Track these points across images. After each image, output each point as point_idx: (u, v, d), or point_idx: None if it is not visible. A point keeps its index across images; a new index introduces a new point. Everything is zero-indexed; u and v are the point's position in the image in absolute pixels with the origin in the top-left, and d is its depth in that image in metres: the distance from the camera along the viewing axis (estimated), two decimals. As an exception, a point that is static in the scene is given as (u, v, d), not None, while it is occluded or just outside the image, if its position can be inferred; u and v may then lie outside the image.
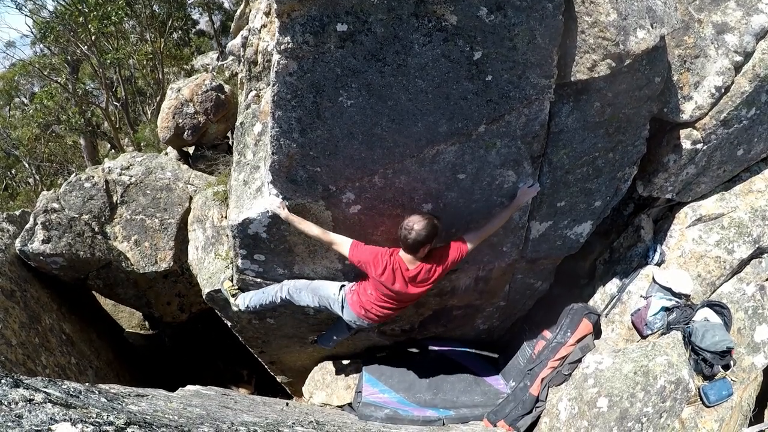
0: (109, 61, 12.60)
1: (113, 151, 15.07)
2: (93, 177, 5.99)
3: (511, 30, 2.52)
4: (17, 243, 5.18)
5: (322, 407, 4.92)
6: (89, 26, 11.59)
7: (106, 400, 1.89)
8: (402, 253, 3.20)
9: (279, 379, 5.90)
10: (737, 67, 3.53)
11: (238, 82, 4.36)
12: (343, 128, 2.78)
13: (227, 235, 4.45)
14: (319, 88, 2.60)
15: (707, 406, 3.70)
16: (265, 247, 3.58)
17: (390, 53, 2.51)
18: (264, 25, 3.66)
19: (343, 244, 3.24)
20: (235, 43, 4.48)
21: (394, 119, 2.77)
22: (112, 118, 14.75)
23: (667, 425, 3.56)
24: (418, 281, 3.24)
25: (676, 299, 3.95)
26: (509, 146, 3.03)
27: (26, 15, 13.65)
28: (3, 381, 1.43)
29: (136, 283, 6.09)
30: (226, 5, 19.38)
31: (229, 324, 4.63)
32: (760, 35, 3.51)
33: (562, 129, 3.11)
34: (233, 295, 3.99)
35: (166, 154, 7.65)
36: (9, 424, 1.21)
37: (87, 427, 1.29)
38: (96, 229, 5.76)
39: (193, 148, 7.49)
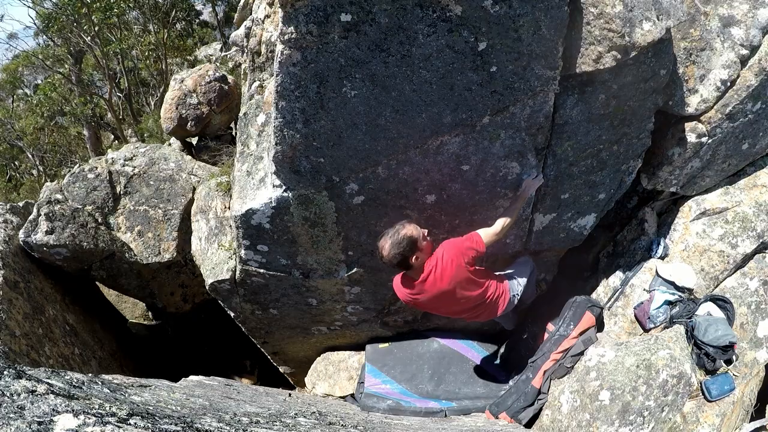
0: (112, 52, 12.58)
1: (117, 142, 15.07)
2: (96, 168, 5.99)
3: (516, 21, 2.50)
4: (21, 234, 5.18)
5: (325, 398, 4.93)
6: (92, 17, 11.56)
7: (108, 391, 1.90)
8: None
9: (282, 369, 5.92)
10: (743, 61, 3.50)
11: (242, 72, 4.35)
12: (346, 119, 2.77)
13: (230, 226, 4.45)
14: (322, 78, 2.59)
15: (709, 401, 3.70)
16: (268, 238, 3.58)
17: (394, 44, 2.50)
18: (267, 16, 3.64)
19: None
20: (238, 34, 4.46)
21: (398, 110, 2.75)
22: (116, 109, 14.73)
23: (668, 419, 3.56)
24: (441, 278, 3.08)
25: (680, 293, 3.94)
26: (513, 138, 3.02)
27: (29, 6, 13.61)
28: (5, 372, 1.43)
29: (140, 273, 6.10)
30: (230, -4, 19.30)
31: (232, 314, 4.64)
32: (767, 29, 3.47)
33: (567, 121, 3.10)
34: None
35: (170, 144, 7.64)
36: (11, 415, 1.21)
37: (89, 418, 1.29)
38: (99, 219, 5.77)
39: (196, 138, 7.46)
